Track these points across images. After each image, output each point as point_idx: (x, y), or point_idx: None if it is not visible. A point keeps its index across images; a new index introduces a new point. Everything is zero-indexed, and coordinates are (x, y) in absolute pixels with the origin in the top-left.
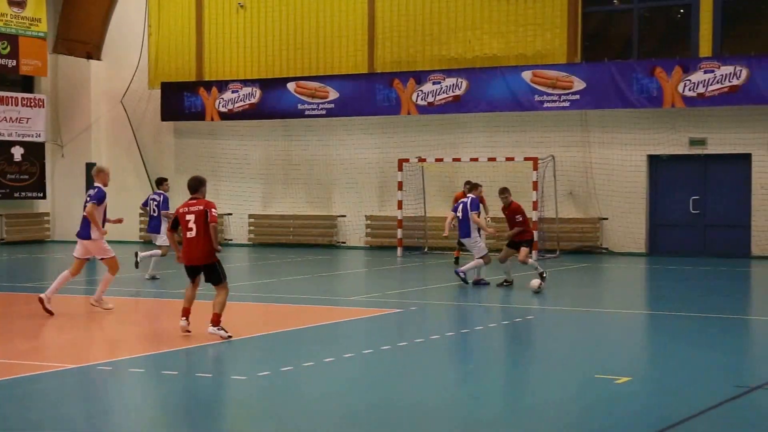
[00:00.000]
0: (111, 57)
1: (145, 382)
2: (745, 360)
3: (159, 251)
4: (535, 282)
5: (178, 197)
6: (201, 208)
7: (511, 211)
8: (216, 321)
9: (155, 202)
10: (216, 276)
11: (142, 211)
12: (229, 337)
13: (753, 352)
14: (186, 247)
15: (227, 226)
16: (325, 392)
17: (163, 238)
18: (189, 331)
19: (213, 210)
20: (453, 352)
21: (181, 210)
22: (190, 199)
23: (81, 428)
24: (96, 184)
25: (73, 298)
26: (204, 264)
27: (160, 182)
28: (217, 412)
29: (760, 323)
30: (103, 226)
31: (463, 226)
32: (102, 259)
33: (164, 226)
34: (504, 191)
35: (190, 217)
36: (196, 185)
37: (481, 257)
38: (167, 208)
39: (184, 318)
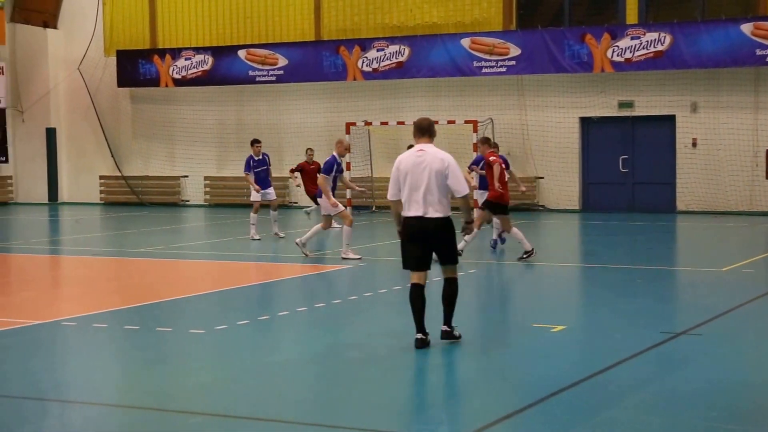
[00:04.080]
0: (67, 26)
1: (108, 336)
2: (669, 308)
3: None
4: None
5: (140, 160)
6: None
7: None
8: None
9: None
10: None
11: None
12: None
13: (677, 301)
14: None
15: (184, 188)
16: (279, 342)
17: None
18: None
19: None
20: (398, 305)
21: None
22: None
23: (45, 380)
24: (333, 153)
25: (36, 258)
26: None
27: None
28: (177, 363)
29: (683, 273)
30: (334, 191)
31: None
32: (336, 214)
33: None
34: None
35: None
36: None
37: None
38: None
39: None
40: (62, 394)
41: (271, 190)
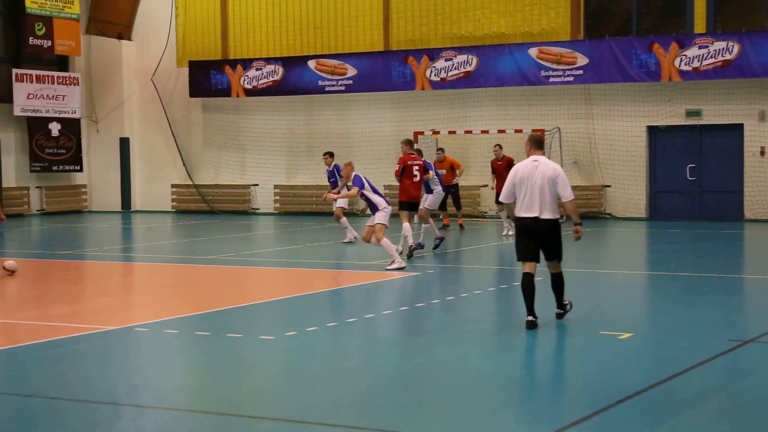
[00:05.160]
0: (141, 37)
1: (180, 342)
2: (737, 316)
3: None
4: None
5: (211, 169)
6: None
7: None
8: None
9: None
10: None
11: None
12: None
13: (745, 309)
14: None
15: (254, 196)
16: (348, 348)
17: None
18: None
19: None
20: (466, 313)
21: None
22: None
23: (118, 385)
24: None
25: (110, 265)
26: None
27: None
28: (247, 369)
29: (751, 282)
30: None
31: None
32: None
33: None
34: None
35: None
36: None
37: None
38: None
39: None
40: (134, 399)
41: (338, 201)
